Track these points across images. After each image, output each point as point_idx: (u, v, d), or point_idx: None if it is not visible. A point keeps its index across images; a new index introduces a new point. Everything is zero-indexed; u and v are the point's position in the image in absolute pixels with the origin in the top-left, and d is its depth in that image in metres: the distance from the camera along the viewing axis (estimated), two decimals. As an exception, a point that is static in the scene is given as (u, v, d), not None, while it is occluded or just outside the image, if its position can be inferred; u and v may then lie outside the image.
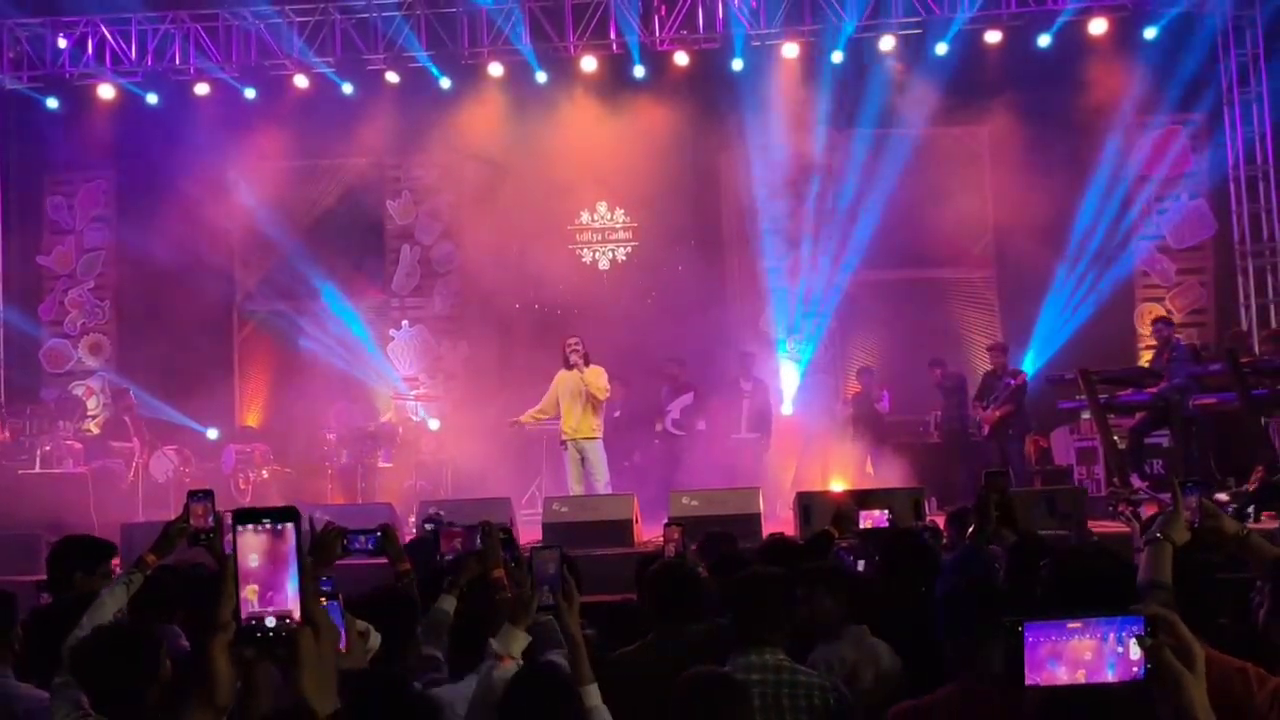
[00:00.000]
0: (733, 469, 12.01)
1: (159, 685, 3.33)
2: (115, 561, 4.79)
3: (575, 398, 10.63)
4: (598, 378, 10.64)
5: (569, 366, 10.64)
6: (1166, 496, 3.45)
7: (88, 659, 3.33)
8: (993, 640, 3.11)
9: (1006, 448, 11.77)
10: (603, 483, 10.59)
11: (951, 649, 3.18)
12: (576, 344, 10.67)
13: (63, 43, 14.53)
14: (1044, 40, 13.60)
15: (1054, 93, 13.55)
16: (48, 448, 12.09)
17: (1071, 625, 1.79)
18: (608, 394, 10.80)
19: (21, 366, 14.44)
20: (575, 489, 10.64)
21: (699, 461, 12.22)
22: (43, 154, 14.98)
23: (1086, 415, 11.87)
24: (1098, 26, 13.56)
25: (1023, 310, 13.81)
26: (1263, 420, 10.08)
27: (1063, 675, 1.78)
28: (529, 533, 9.71)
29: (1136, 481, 10.43)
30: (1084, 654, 1.78)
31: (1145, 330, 13.06)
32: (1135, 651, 1.77)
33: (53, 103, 14.80)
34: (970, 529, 4.87)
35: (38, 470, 11.72)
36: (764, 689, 3.50)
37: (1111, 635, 1.78)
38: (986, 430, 11.89)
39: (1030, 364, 13.21)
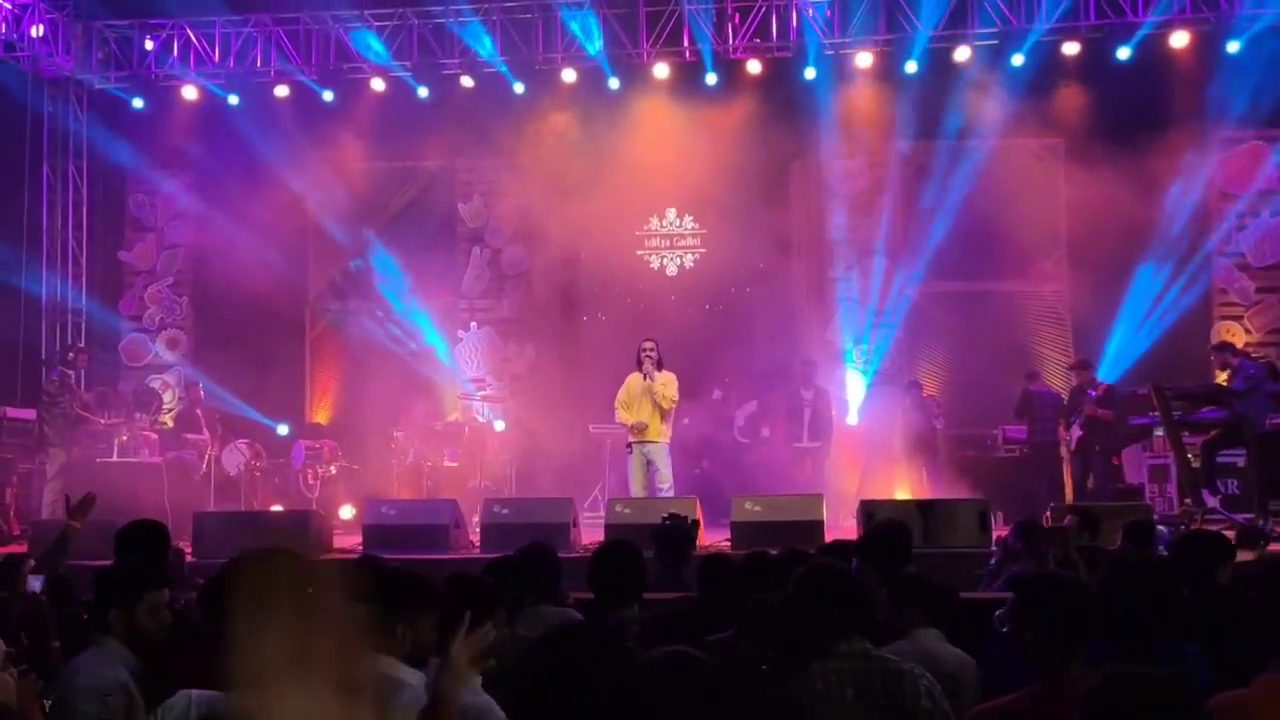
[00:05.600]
0: (795, 477, 12.01)
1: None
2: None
3: (644, 400, 10.45)
4: (666, 386, 10.42)
5: (640, 368, 10.50)
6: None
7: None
8: (1074, 646, 3.12)
9: (1091, 463, 11.62)
10: (667, 486, 10.38)
11: (1031, 654, 3.19)
12: (651, 349, 10.48)
13: (149, 44, 14.87)
14: (1124, 53, 13.33)
15: (1133, 105, 13.27)
16: (125, 438, 12.38)
17: None
18: (674, 404, 10.51)
19: (101, 359, 14.76)
20: (638, 493, 10.43)
21: (762, 469, 12.23)
22: (127, 152, 15.29)
23: (1159, 432, 11.66)
24: (1179, 39, 13.26)
25: (1095, 325, 13.58)
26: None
27: None
28: (591, 534, 9.72)
29: (1209, 499, 10.21)
30: None
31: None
32: None
33: (138, 103, 15.14)
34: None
35: (115, 459, 12.01)
36: (855, 675, 3.44)
37: None
38: (1074, 446, 11.75)
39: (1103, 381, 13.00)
